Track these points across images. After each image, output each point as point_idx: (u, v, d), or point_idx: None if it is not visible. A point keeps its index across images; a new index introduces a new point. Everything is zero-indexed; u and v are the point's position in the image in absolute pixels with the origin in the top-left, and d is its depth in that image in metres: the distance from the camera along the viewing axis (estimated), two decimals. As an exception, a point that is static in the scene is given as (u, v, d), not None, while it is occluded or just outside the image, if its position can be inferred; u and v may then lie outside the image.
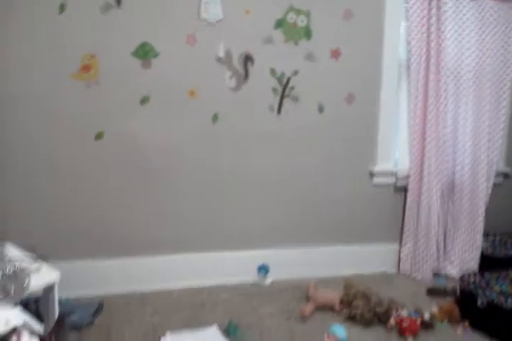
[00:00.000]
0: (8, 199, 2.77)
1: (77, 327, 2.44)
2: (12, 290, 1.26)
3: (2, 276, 1.25)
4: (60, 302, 2.49)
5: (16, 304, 1.29)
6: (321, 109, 3.19)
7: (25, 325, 1.21)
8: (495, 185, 3.53)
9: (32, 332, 1.24)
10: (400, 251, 3.47)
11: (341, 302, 2.82)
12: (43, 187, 2.81)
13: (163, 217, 3.04)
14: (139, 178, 2.96)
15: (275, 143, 3.15)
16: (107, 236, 2.95)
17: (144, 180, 2.96)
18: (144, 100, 2.89)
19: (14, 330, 1.22)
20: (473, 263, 3.38)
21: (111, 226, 2.95)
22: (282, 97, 3.10)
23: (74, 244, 2.90)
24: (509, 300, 2.47)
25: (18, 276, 1.28)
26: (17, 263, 1.30)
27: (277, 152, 3.16)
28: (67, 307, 2.57)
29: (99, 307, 2.67)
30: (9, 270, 1.27)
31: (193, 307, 2.79)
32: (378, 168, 3.35)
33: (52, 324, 1.87)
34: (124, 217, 2.97)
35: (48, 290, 2.02)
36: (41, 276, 1.94)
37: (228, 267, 3.17)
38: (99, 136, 2.85)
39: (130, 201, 2.96)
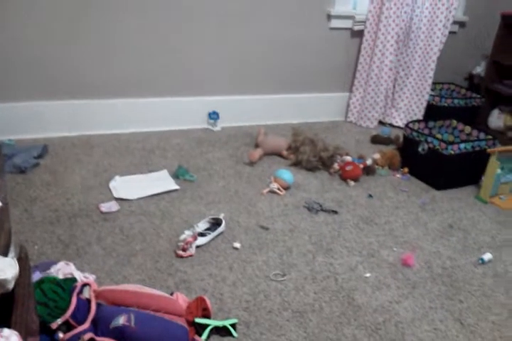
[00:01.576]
0: None
1: (21, 170, 2.38)
2: None
3: None
4: (2, 145, 2.40)
5: None
6: None
7: None
8: (450, 33, 3.45)
9: None
10: (349, 100, 3.48)
11: (289, 148, 2.87)
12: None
13: (112, 57, 2.81)
14: (83, 9, 2.64)
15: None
16: (52, 77, 2.73)
17: (87, 12, 2.65)
18: None
19: None
20: (418, 112, 3.45)
21: (56, 66, 2.72)
22: None
23: (17, 85, 2.68)
24: (449, 147, 2.58)
25: None
26: None
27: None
28: (10, 150, 2.48)
29: (43, 149, 2.59)
30: None
31: (142, 151, 2.77)
32: (336, 10, 3.14)
33: None
34: (70, 55, 2.72)
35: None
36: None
37: (179, 113, 3.10)
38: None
39: (74, 38, 2.69)
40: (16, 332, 0.86)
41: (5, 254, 1.03)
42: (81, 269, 1.68)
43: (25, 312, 0.99)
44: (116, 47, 2.80)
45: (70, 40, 2.69)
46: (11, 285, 0.91)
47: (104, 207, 2.17)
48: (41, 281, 1.40)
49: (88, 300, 1.39)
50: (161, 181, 2.46)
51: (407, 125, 2.88)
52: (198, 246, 1.96)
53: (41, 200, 2.20)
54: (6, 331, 0.86)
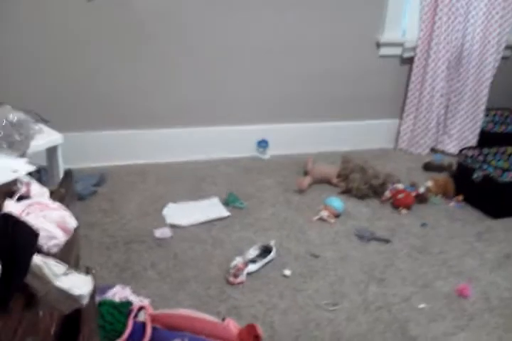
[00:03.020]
0: (8, 68, 2.64)
1: (81, 197, 2.49)
2: (17, 139, 1.21)
3: (5, 125, 1.19)
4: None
5: (21, 156, 1.26)
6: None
7: (33, 175, 1.22)
8: (503, 58, 3.39)
9: (41, 183, 1.23)
10: (399, 127, 3.45)
11: (338, 175, 2.86)
12: (39, 53, 2.65)
13: (163, 88, 2.92)
14: (138, 46, 2.78)
15: (276, 11, 2.92)
16: (107, 107, 2.86)
17: (142, 50, 2.80)
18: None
19: (22, 180, 1.21)
20: (472, 138, 3.38)
21: (112, 98, 2.86)
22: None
23: (74, 115, 2.82)
24: (505, 174, 2.51)
25: (23, 126, 1.22)
26: (21, 115, 1.23)
27: (277, 19, 2.94)
28: (69, 179, 2.60)
29: (101, 177, 2.71)
30: (13, 118, 1.21)
31: (193, 179, 2.84)
32: (385, 37, 3.16)
33: (59, 179, 1.93)
34: (125, 89, 2.86)
35: (52, 150, 2.03)
36: (44, 136, 1.92)
37: (228, 141, 3.16)
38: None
39: (130, 71, 2.83)
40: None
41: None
42: (136, 293, 1.72)
43: (91, 331, 1.04)
44: (168, 79, 2.91)
45: (126, 75, 2.83)
46: (85, 301, 0.96)
47: (158, 232, 2.23)
48: (99, 304, 1.45)
49: (143, 324, 1.43)
50: (212, 208, 2.51)
51: (460, 152, 2.83)
52: (248, 273, 1.97)
53: (99, 226, 2.28)
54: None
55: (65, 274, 0.96)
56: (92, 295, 1.08)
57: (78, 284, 0.97)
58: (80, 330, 1.05)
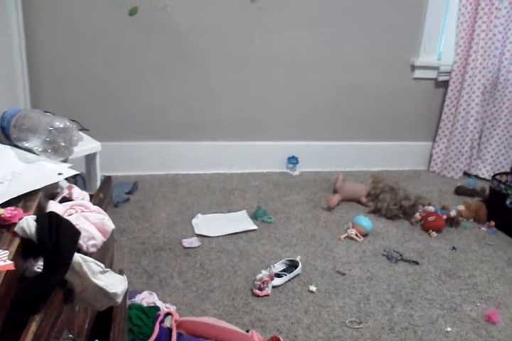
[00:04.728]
0: (54, 79, 2.75)
1: (114, 204, 2.55)
2: (61, 145, 1.27)
3: (51, 131, 1.26)
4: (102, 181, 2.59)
5: (65, 161, 1.31)
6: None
7: (76, 180, 1.27)
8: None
9: (82, 188, 1.28)
10: (432, 149, 3.43)
11: (368, 195, 2.85)
12: (81, 65, 2.77)
13: (198, 103, 3.00)
14: (175, 60, 2.87)
15: (314, 28, 2.98)
16: (143, 119, 2.95)
17: (179, 63, 2.88)
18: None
19: (65, 183, 1.26)
20: (505, 164, 3.33)
21: (147, 109, 2.94)
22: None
23: (112, 125, 2.92)
24: (538, 201, 2.46)
25: (67, 132, 1.28)
26: (66, 123, 1.29)
27: (315, 38, 3.00)
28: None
29: (134, 186, 2.77)
30: (59, 125, 1.27)
31: (223, 192, 2.87)
32: (421, 60, 3.17)
33: (96, 185, 1.99)
34: (160, 101, 2.94)
35: (91, 157, 2.10)
36: (84, 144, 1.99)
37: (259, 156, 3.20)
38: (133, 11, 2.71)
39: (166, 85, 2.91)
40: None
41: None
42: (163, 300, 1.74)
43: (120, 331, 1.06)
44: (203, 93, 2.99)
45: (162, 88, 2.91)
46: (119, 299, 0.99)
47: (187, 242, 2.26)
48: (128, 307, 1.48)
49: (169, 329, 1.45)
50: (239, 221, 2.53)
51: (493, 177, 2.79)
52: (274, 287, 1.98)
53: (129, 233, 2.33)
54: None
55: (102, 273, 1.00)
56: (125, 296, 1.11)
57: (114, 283, 1.00)
58: (111, 329, 1.08)
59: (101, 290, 0.97)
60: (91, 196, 1.34)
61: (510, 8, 3.05)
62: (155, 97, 2.93)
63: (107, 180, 1.53)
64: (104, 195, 1.39)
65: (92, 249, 1.09)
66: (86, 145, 2.05)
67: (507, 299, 2.06)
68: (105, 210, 1.22)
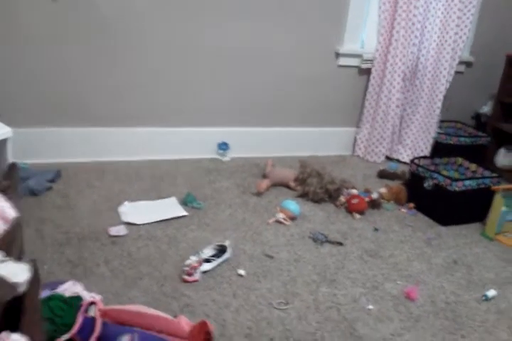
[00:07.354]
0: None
1: (35, 193, 2.44)
2: None
3: None
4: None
5: None
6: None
7: None
8: (457, 73, 3.54)
9: None
10: (356, 135, 3.55)
11: (296, 179, 2.91)
12: (4, 51, 2.61)
13: (126, 88, 2.92)
14: (101, 45, 2.78)
15: (245, 19, 2.99)
16: (67, 103, 2.84)
17: (105, 48, 2.79)
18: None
19: None
20: (425, 149, 3.51)
21: (72, 93, 2.83)
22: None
23: (33, 110, 2.78)
24: (454, 184, 2.61)
25: None
26: None
27: (246, 27, 3.01)
28: (25, 173, 2.55)
29: (57, 173, 2.66)
30: None
31: (152, 178, 2.83)
32: (345, 48, 3.26)
33: (4, 171, 1.89)
34: (86, 86, 2.84)
35: (1, 144, 1.99)
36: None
37: (189, 143, 3.17)
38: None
39: (92, 69, 2.81)
40: (26, 337, 0.89)
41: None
42: (88, 290, 1.70)
43: (33, 323, 1.03)
44: (132, 78, 2.91)
45: (87, 72, 2.81)
46: (22, 289, 0.96)
47: (113, 230, 2.21)
48: (49, 298, 1.43)
49: (93, 319, 1.42)
50: (169, 207, 2.50)
51: (412, 161, 2.93)
52: (203, 272, 1.98)
53: (52, 222, 2.24)
54: (16, 335, 0.89)
55: (1, 262, 0.96)
56: (35, 286, 1.07)
57: (14, 272, 0.97)
58: (21, 320, 1.04)
59: (1, 280, 0.94)
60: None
61: (428, -2, 3.19)
62: (79, 81, 2.82)
63: (12, 167, 1.46)
64: (9, 183, 1.34)
65: (-10, 238, 1.04)
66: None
67: (424, 277, 2.19)
68: (10, 198, 1.17)
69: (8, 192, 1.24)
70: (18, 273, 0.96)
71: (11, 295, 0.96)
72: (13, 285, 0.94)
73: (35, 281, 1.06)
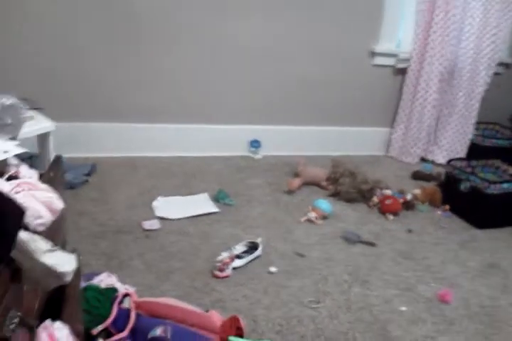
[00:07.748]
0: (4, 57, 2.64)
1: (72, 186, 2.49)
2: (8, 123, 1.23)
3: None
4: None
5: (12, 139, 1.27)
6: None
7: (24, 158, 1.22)
8: (495, 74, 3.45)
9: (31, 167, 1.24)
10: (390, 135, 3.50)
11: (328, 179, 2.89)
12: (35, 44, 2.67)
13: (160, 84, 2.95)
14: (135, 41, 2.81)
15: (276, 16, 2.97)
16: (103, 100, 2.89)
17: (139, 44, 2.82)
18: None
19: (12, 161, 1.22)
20: (461, 150, 3.44)
21: (110, 91, 2.88)
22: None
23: (73, 106, 2.84)
24: (491, 186, 2.55)
25: (15, 110, 1.24)
26: (14, 100, 1.25)
27: (277, 25, 2.99)
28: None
29: (92, 168, 2.71)
30: (5, 102, 1.22)
31: (183, 175, 2.85)
32: (380, 47, 3.21)
33: (49, 164, 1.93)
34: (124, 83, 2.88)
35: (43, 137, 2.04)
36: (36, 123, 1.93)
37: (221, 140, 3.18)
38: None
39: (127, 67, 2.85)
40: (67, 326, 0.91)
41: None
42: (122, 282, 1.72)
43: (74, 312, 1.04)
44: (165, 75, 2.94)
45: (124, 68, 2.85)
46: (68, 278, 0.97)
47: (147, 224, 2.24)
48: (85, 289, 1.46)
49: (128, 310, 1.43)
50: (201, 203, 2.52)
51: (449, 162, 2.87)
52: (234, 268, 1.99)
53: (88, 215, 2.29)
54: (58, 324, 0.90)
55: (50, 251, 0.98)
56: (77, 276, 1.09)
57: (62, 261, 0.98)
58: (62, 309, 1.06)
59: (49, 269, 0.95)
60: (41, 175, 1.30)
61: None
62: (116, 79, 2.87)
63: (57, 159, 1.49)
64: (55, 174, 1.36)
65: (40, 228, 1.06)
66: (38, 124, 1.98)
67: (459, 279, 2.14)
68: (56, 190, 1.19)
69: (54, 184, 1.26)
70: (65, 262, 0.98)
71: (57, 284, 0.98)
72: (60, 275, 0.96)
73: (77, 272, 1.08)
